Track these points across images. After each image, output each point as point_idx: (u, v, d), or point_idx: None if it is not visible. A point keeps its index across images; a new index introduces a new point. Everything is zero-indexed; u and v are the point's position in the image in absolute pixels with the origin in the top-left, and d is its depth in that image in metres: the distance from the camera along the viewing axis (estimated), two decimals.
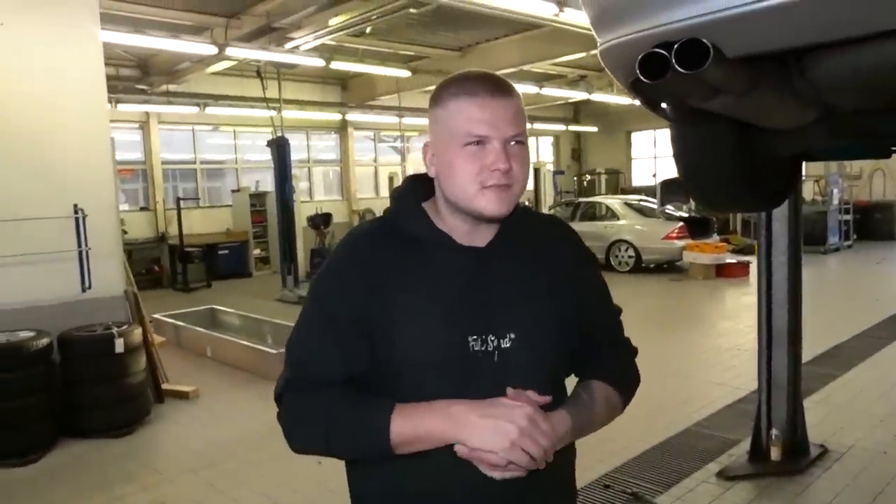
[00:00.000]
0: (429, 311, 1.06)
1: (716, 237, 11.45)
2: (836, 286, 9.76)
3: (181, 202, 11.61)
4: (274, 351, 5.56)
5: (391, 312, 1.06)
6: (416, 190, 1.16)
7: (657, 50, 1.27)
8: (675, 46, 1.24)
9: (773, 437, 3.59)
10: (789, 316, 3.62)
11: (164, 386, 5.14)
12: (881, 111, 1.63)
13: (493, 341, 1.07)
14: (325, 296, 1.11)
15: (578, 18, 6.46)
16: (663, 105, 1.71)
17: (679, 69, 1.24)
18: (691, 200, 12.24)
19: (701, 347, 6.39)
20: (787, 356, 3.64)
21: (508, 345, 1.08)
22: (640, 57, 1.30)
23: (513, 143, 1.06)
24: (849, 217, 12.86)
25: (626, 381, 1.26)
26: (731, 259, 10.55)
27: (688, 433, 4.10)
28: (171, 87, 11.49)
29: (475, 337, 1.07)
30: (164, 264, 12.01)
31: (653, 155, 19.66)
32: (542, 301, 1.13)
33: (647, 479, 3.48)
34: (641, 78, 1.31)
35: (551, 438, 1.01)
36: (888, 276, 10.15)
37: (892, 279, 9.82)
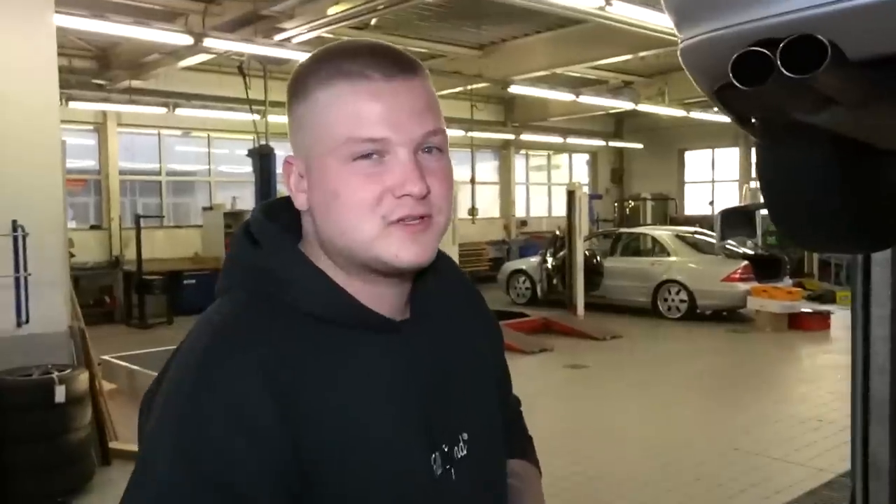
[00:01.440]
0: (380, 441, 0.83)
1: (788, 281, 11.35)
2: None
3: (141, 220, 11.65)
4: None
5: (327, 456, 0.79)
6: (285, 230, 0.91)
7: (757, 49, 1.23)
8: (782, 44, 1.19)
9: None
10: (892, 383, 3.51)
11: (113, 445, 5.05)
12: None
13: (449, 452, 0.91)
14: (215, 447, 0.75)
15: (629, 13, 6.48)
16: (753, 119, 1.66)
17: (785, 72, 1.18)
18: (758, 235, 12.20)
19: (773, 418, 6.27)
20: (890, 433, 3.52)
21: (465, 452, 0.93)
22: (734, 57, 1.25)
23: (427, 149, 0.85)
24: None
25: (532, 446, 1.18)
26: (806, 308, 10.43)
27: None
28: (135, 84, 11.59)
29: (435, 455, 0.88)
30: (118, 295, 12.03)
31: (710, 179, 19.67)
32: (482, 383, 1.01)
33: None
34: (734, 83, 1.26)
35: None
36: None
37: None
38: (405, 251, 0.83)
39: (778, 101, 1.36)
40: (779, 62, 1.18)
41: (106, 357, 6.96)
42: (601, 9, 6.27)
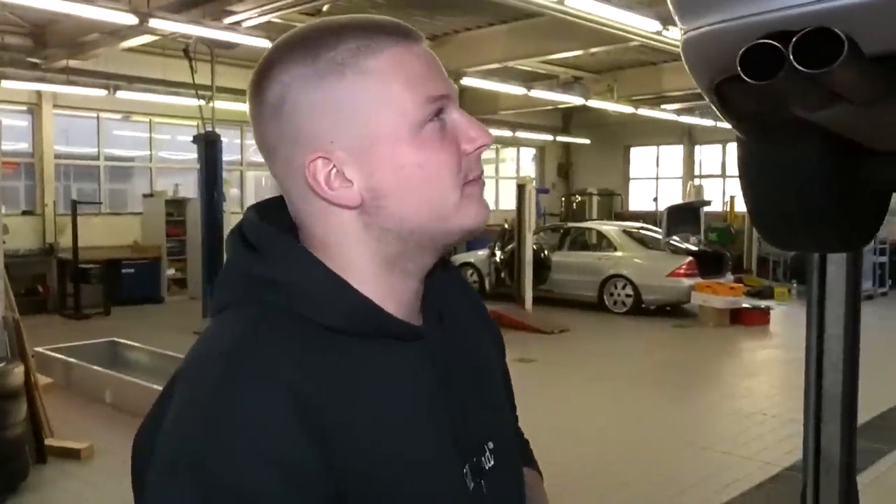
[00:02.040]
0: (416, 461, 0.76)
1: (730, 276, 11.61)
2: (874, 340, 9.87)
3: (77, 206, 11.24)
4: None
5: (365, 482, 0.71)
6: (288, 235, 0.81)
7: (768, 41, 1.19)
8: (796, 37, 1.15)
9: None
10: (844, 380, 3.56)
11: (49, 442, 4.87)
12: None
13: (478, 462, 0.85)
14: (247, 490, 0.65)
15: (586, 7, 6.48)
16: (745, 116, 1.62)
17: (798, 67, 1.14)
18: (701, 231, 12.45)
19: (720, 412, 6.39)
20: (841, 429, 3.57)
21: (492, 462, 0.87)
22: (742, 50, 1.21)
23: None
24: (884, 259, 13.17)
25: (531, 451, 1.14)
26: (748, 304, 10.67)
27: None
28: (73, 64, 11.15)
29: (466, 470, 0.82)
30: (52, 284, 11.61)
31: (654, 175, 19.99)
32: (498, 389, 0.97)
33: None
34: (742, 76, 1.22)
35: None
36: None
37: None
38: (481, 212, 0.81)
39: (784, 96, 1.33)
40: (791, 56, 1.14)
41: (40, 349, 6.68)
42: (559, 2, 6.24)
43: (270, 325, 0.73)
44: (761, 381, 7.32)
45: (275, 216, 0.82)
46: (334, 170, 0.76)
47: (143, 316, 10.89)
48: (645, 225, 12.99)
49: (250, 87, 0.80)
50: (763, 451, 5.10)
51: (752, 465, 4.86)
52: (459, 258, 13.68)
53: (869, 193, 2.00)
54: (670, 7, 1.46)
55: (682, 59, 1.47)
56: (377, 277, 0.79)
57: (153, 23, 7.98)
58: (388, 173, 0.76)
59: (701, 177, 18.73)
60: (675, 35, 8.01)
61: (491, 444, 0.87)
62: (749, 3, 1.25)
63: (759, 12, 1.23)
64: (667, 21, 7.66)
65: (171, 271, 12.62)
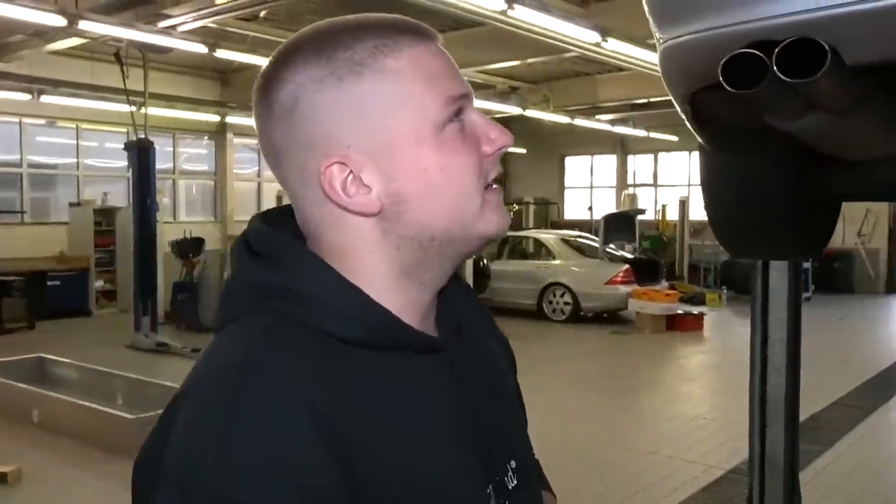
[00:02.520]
0: (441, 481, 0.73)
1: (664, 283, 11.86)
2: (802, 345, 10.27)
3: None
4: (129, 416, 5.14)
5: (382, 495, 0.68)
6: (299, 243, 0.78)
7: (751, 50, 1.20)
8: (779, 47, 1.16)
9: None
10: (787, 383, 3.66)
11: None
12: None
13: (501, 482, 0.81)
14: None
15: (529, 17, 6.54)
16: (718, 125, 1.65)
17: (781, 76, 1.16)
18: (636, 239, 12.70)
19: (663, 416, 6.49)
20: (784, 432, 3.67)
21: (515, 481, 0.83)
22: (725, 58, 1.22)
23: None
24: (807, 265, 13.66)
25: (542, 472, 1.10)
26: (682, 310, 10.91)
27: None
28: None
29: (490, 490, 0.78)
30: None
31: (589, 184, 20.31)
32: (515, 406, 0.94)
33: None
34: (725, 85, 1.23)
35: None
36: (854, 334, 10.81)
37: (859, 339, 10.45)
38: (504, 219, 0.79)
39: (762, 106, 1.35)
40: (774, 65, 1.16)
41: None
42: (503, 13, 6.29)
43: (283, 336, 0.69)
44: (699, 385, 7.49)
45: (281, 225, 0.78)
46: (351, 175, 0.72)
47: (71, 330, 10.50)
48: (582, 233, 13.17)
49: (258, 89, 0.75)
50: (707, 455, 5.20)
51: (697, 468, 4.94)
52: None
53: (826, 203, 2.05)
54: (648, 16, 1.46)
55: (659, 67, 1.48)
56: (394, 288, 0.76)
57: (83, 25, 7.70)
58: (410, 177, 0.73)
59: (634, 186, 19.12)
60: (613, 47, 8.16)
61: (513, 463, 0.84)
62: (731, 13, 1.26)
63: (740, 22, 1.24)
64: (605, 32, 7.80)
65: (99, 283, 12.19)
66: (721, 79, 1.21)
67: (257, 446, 0.62)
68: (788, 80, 1.15)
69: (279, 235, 0.76)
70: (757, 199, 1.84)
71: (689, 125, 1.66)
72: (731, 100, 1.26)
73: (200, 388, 0.69)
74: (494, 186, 0.78)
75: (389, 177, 0.73)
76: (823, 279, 14.45)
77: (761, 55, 1.17)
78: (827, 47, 1.14)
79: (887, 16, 1.10)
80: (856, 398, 6.77)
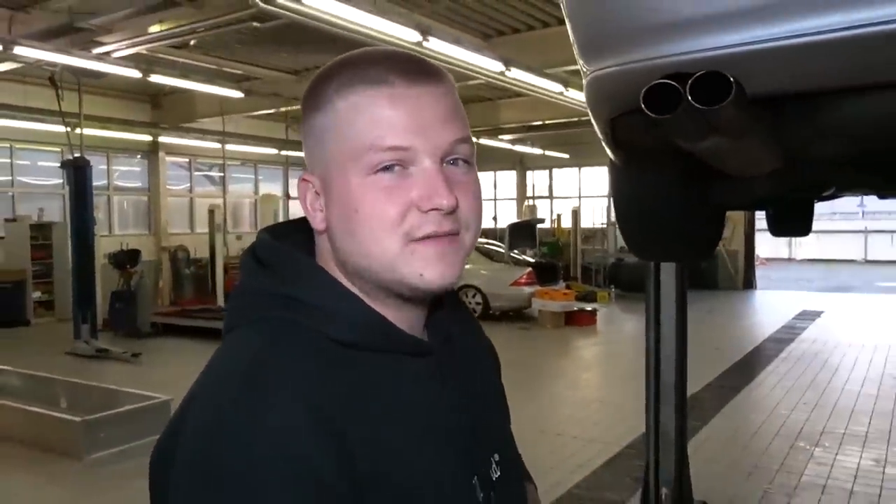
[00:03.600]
0: (430, 472, 0.71)
1: (562, 284, 12.12)
2: None
3: None
4: (75, 418, 4.86)
5: (382, 493, 0.66)
6: (303, 253, 0.76)
7: (668, 81, 1.24)
8: (692, 79, 1.20)
9: (664, 496, 3.71)
10: (677, 370, 3.80)
11: None
12: (844, 164, 1.73)
13: (486, 474, 0.81)
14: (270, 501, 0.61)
15: (442, 48, 6.58)
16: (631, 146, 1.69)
17: (694, 104, 1.20)
18: (536, 245, 12.94)
19: (566, 401, 6.62)
20: (675, 412, 3.81)
21: (498, 473, 0.83)
22: (645, 88, 1.25)
23: (454, 160, 0.72)
24: None
25: (524, 465, 1.10)
26: (578, 307, 11.17)
27: (571, 497, 4.15)
28: None
29: (475, 480, 0.77)
30: None
31: (493, 197, 20.57)
32: (499, 405, 0.94)
33: None
34: (646, 111, 1.27)
35: None
36: (721, 324, 11.32)
37: (726, 328, 10.96)
38: (431, 270, 0.70)
39: (672, 129, 1.39)
40: (688, 94, 1.20)
41: None
42: (418, 44, 6.30)
43: (287, 340, 0.69)
44: (595, 373, 7.69)
45: (290, 236, 0.77)
46: (315, 193, 0.74)
47: (9, 338, 9.86)
48: (489, 240, 13.32)
49: None
50: (606, 433, 5.33)
51: (598, 445, 5.06)
52: None
53: (712, 213, 2.15)
54: (574, 48, 1.50)
55: (584, 95, 1.51)
56: (370, 298, 0.74)
57: (18, 50, 7.30)
58: (336, 209, 0.72)
59: (533, 198, 19.49)
60: (514, 75, 8.31)
61: (497, 457, 0.83)
62: (650, 48, 1.30)
63: (659, 56, 1.29)
64: (508, 63, 7.93)
65: (37, 294, 11.51)
66: (642, 105, 1.25)
67: (263, 441, 0.61)
68: (700, 106, 1.20)
69: (283, 247, 0.74)
70: (657, 210, 1.91)
71: (606, 146, 1.70)
72: (647, 124, 1.31)
73: (210, 389, 0.67)
74: (427, 238, 0.70)
75: (328, 202, 0.73)
76: (692, 277, 15.03)
77: (677, 85, 1.22)
78: (732, 80, 1.20)
79: (781, 54, 1.17)
80: (725, 379, 7.09)
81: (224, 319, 0.75)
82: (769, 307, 13.06)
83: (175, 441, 0.65)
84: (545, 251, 15.04)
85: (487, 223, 19.15)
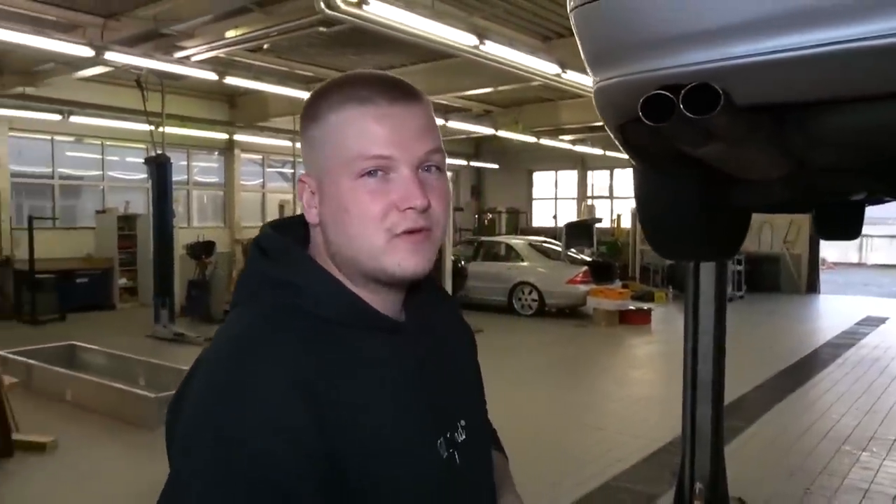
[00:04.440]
0: (396, 432, 0.81)
1: (618, 283, 12.00)
2: (733, 338, 10.33)
3: (33, 221, 10.71)
4: (151, 395, 5.19)
5: (353, 449, 0.76)
6: (297, 245, 0.88)
7: (663, 92, 1.31)
8: (684, 90, 1.27)
9: (698, 491, 3.71)
10: (714, 368, 3.79)
11: (15, 436, 4.65)
12: (849, 169, 1.75)
13: (452, 437, 0.90)
14: (254, 449, 0.71)
15: (498, 51, 6.66)
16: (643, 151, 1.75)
17: (686, 113, 1.27)
18: (594, 244, 12.85)
19: (613, 398, 6.60)
20: (712, 409, 3.80)
21: (464, 436, 0.92)
22: (643, 98, 1.33)
23: (427, 167, 0.83)
24: (741, 268, 13.91)
25: (498, 438, 1.19)
26: (633, 306, 11.05)
27: (608, 488, 4.18)
28: (29, 90, 10.65)
29: (441, 440, 0.87)
30: (8, 292, 10.99)
31: (553, 196, 20.49)
32: (470, 378, 1.03)
33: None
34: (643, 119, 1.34)
35: None
36: (779, 327, 11.01)
37: (784, 331, 10.65)
38: (407, 261, 0.82)
39: (672, 136, 1.46)
40: (680, 104, 1.27)
41: (2, 353, 6.36)
42: (475, 47, 6.40)
43: (276, 315, 0.80)
44: (645, 372, 7.62)
45: (290, 229, 0.89)
46: (311, 192, 0.85)
47: (97, 321, 10.45)
48: (547, 239, 13.29)
49: None
50: (650, 430, 5.30)
51: (640, 442, 5.05)
52: None
53: (734, 214, 2.18)
54: (584, 61, 1.58)
55: (594, 102, 1.60)
56: (354, 283, 0.85)
57: (109, 55, 7.76)
58: (328, 207, 0.83)
59: (593, 197, 19.31)
60: (571, 77, 8.31)
61: (463, 422, 0.92)
62: (647, 62, 1.38)
63: (655, 69, 1.36)
64: (565, 65, 7.94)
65: (122, 281, 12.15)
66: (640, 114, 1.33)
67: (250, 400, 0.72)
68: (691, 115, 1.28)
69: (281, 239, 0.86)
70: (675, 210, 1.96)
71: (623, 149, 1.77)
72: (650, 131, 1.38)
73: (212, 355, 0.79)
74: (407, 233, 0.81)
75: (321, 201, 0.84)
76: (754, 280, 14.70)
77: (671, 96, 1.29)
78: (721, 91, 1.26)
79: (766, 67, 1.23)
80: (776, 381, 6.93)
81: (232, 296, 0.87)
82: (831, 312, 12.61)
83: (183, 396, 0.78)
84: (603, 251, 14.91)
85: (548, 222, 19.09)
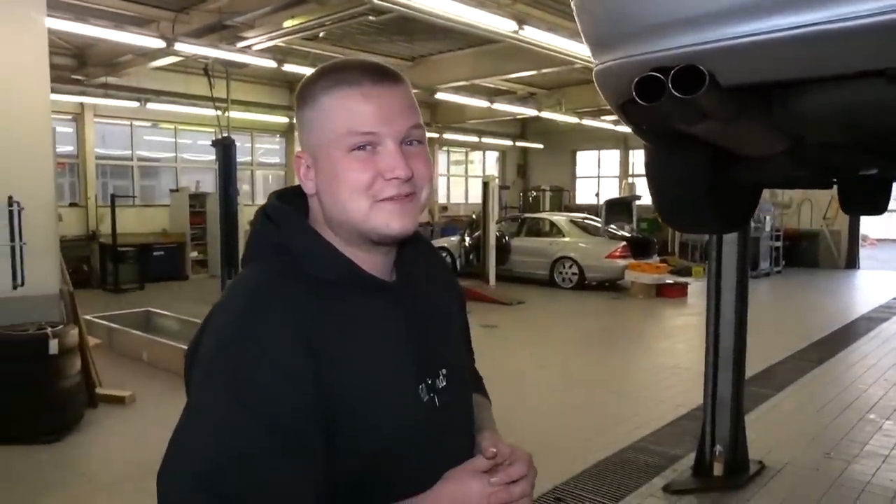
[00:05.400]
0: (382, 377, 0.87)
1: (656, 258, 11.84)
2: (768, 310, 10.20)
3: (115, 199, 11.19)
4: None
5: (344, 391, 0.83)
6: (299, 213, 0.94)
7: (654, 74, 1.34)
8: (673, 72, 1.30)
9: (717, 453, 3.73)
10: (735, 337, 3.78)
11: (99, 390, 4.94)
12: (843, 145, 1.74)
13: (432, 383, 0.95)
14: (258, 387, 0.78)
15: (536, 36, 6.62)
16: (644, 128, 1.78)
17: (675, 93, 1.30)
18: (633, 221, 12.67)
19: (643, 366, 6.59)
20: (732, 376, 3.80)
21: (444, 383, 0.96)
22: (636, 79, 1.36)
23: (410, 141, 0.89)
24: (779, 244, 13.53)
25: (483, 384, 1.24)
26: (669, 280, 10.91)
27: (634, 449, 4.22)
28: (110, 80, 11.09)
29: (422, 385, 0.93)
30: (94, 263, 11.54)
31: (596, 174, 20.22)
32: (453, 332, 1.07)
33: (597, 493, 3.56)
34: (637, 99, 1.37)
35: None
36: (815, 301, 10.72)
37: (819, 305, 10.37)
38: (395, 221, 0.88)
39: (668, 114, 1.48)
40: (669, 85, 1.30)
41: (88, 317, 6.72)
42: (515, 32, 6.37)
43: (279, 275, 0.87)
44: (678, 341, 7.55)
45: (292, 199, 0.96)
46: (307, 166, 0.91)
47: (171, 290, 10.89)
48: (588, 215, 13.17)
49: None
50: (676, 396, 5.29)
51: (666, 406, 5.05)
52: (435, 243, 13.75)
53: (741, 189, 2.18)
54: (586, 45, 1.62)
55: (595, 84, 1.64)
56: (349, 245, 0.91)
57: (178, 46, 8.00)
58: (323, 177, 0.89)
59: (634, 176, 18.97)
60: None
61: (444, 371, 0.97)
62: (640, 46, 1.41)
63: (648, 52, 1.39)
64: None
65: (194, 254, 12.59)
66: (634, 94, 1.37)
67: (257, 344, 0.80)
68: (680, 95, 1.31)
69: (284, 207, 0.93)
70: (682, 185, 1.97)
71: (628, 127, 1.80)
72: (646, 110, 1.41)
73: (225, 304, 0.87)
74: (390, 199, 0.87)
75: (316, 173, 0.90)
76: (793, 256, 14.28)
77: (661, 77, 1.33)
78: (706, 72, 1.29)
79: (745, 49, 1.25)
80: (807, 353, 6.79)
81: (242, 256, 0.96)
82: (869, 287, 12.17)
83: (200, 340, 0.86)
84: (644, 227, 14.68)
85: (591, 199, 18.88)
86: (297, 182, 0.95)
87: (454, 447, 0.96)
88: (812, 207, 14.79)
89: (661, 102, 1.33)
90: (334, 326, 0.85)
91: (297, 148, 0.94)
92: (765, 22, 1.16)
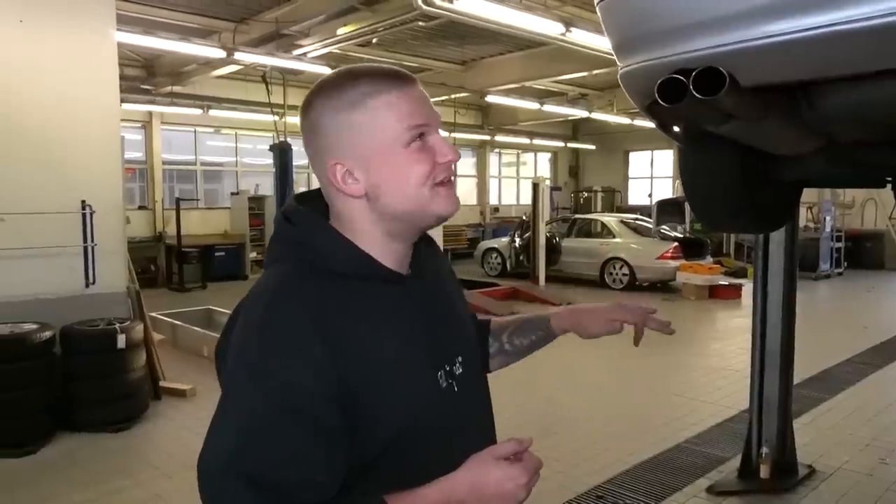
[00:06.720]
0: (400, 363, 0.92)
1: (709, 259, 11.56)
2: (827, 312, 9.85)
3: (180, 203, 11.63)
4: None
5: (363, 377, 0.87)
6: (317, 213, 0.97)
7: (676, 76, 1.35)
8: (693, 73, 1.31)
9: (763, 455, 3.65)
10: (782, 338, 3.70)
11: (162, 383, 5.16)
12: (876, 144, 1.71)
13: (450, 371, 0.99)
14: (281, 374, 0.83)
15: (584, 38, 6.58)
16: (675, 128, 1.79)
17: (696, 94, 1.31)
18: (686, 221, 12.40)
19: (692, 367, 6.46)
20: (779, 377, 3.71)
21: (461, 370, 1.00)
22: (658, 81, 1.38)
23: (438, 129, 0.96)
24: (840, 245, 13.01)
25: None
26: (723, 281, 10.64)
27: (679, 449, 4.16)
28: (176, 89, 11.54)
29: (440, 372, 0.97)
30: (160, 264, 12.01)
31: (649, 175, 19.84)
32: (464, 320, 1.11)
33: (639, 492, 3.54)
34: (659, 101, 1.39)
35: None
36: (877, 304, 10.27)
37: (882, 307, 9.94)
38: (450, 203, 0.95)
39: (692, 115, 1.50)
40: (691, 86, 1.32)
41: (153, 314, 7.03)
42: (562, 34, 6.35)
43: (300, 273, 0.91)
44: (728, 344, 7.37)
45: (310, 202, 1.00)
46: (346, 171, 0.93)
47: (232, 289, 11.16)
48: (639, 216, 12.96)
49: (300, 112, 0.97)
50: (724, 399, 5.18)
51: (715, 408, 4.95)
52: (485, 244, 13.80)
53: (778, 188, 2.15)
54: (611, 49, 1.64)
55: (621, 86, 1.66)
56: (380, 242, 0.95)
57: (238, 55, 8.27)
58: (383, 175, 0.92)
59: None
60: None
61: (460, 358, 1.01)
62: (663, 48, 1.43)
63: (668, 55, 1.41)
64: None
65: (253, 254, 12.94)
66: (657, 96, 1.38)
67: (280, 337, 0.85)
68: (701, 96, 1.32)
69: (303, 209, 0.97)
70: (715, 185, 1.97)
71: (657, 127, 1.81)
72: (671, 111, 1.43)
73: (249, 304, 0.91)
74: (446, 182, 0.94)
75: (370, 174, 0.93)
76: (856, 257, 13.71)
77: (683, 79, 1.34)
78: (726, 73, 1.30)
79: (763, 50, 1.26)
80: (867, 357, 6.53)
81: (265, 257, 1.01)
82: None
83: (228, 338, 0.92)
84: (696, 228, 14.33)
85: (643, 200, 18.54)
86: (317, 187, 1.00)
87: (472, 432, 1.00)
88: (877, 207, 14.16)
89: (684, 104, 1.35)
90: (353, 316, 0.89)
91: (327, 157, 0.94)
92: (784, 23, 1.17)
